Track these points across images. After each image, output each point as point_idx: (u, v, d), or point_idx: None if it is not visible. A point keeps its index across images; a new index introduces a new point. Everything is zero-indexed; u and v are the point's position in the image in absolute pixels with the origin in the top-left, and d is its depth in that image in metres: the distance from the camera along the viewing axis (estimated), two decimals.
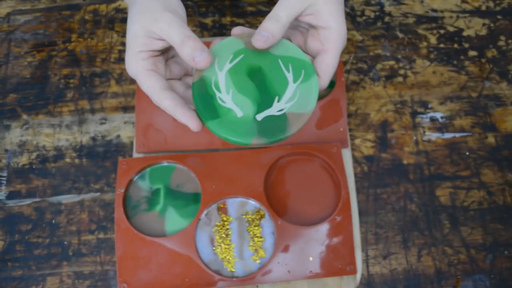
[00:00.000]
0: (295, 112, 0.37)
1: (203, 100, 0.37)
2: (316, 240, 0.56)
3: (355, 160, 0.63)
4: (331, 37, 0.39)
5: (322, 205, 0.59)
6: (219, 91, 0.37)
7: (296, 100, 0.38)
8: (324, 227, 0.57)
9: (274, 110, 0.37)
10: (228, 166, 0.59)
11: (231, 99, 0.37)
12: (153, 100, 0.39)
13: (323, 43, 0.40)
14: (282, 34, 0.39)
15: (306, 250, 0.56)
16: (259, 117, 0.37)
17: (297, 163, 0.61)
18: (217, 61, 0.38)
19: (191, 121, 0.38)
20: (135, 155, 0.62)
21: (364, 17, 0.73)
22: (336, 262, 0.55)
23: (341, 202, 0.57)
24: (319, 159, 0.61)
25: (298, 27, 0.45)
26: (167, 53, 0.43)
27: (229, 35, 0.71)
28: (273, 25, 0.38)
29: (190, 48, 0.37)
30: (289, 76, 0.38)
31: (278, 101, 0.37)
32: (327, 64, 0.39)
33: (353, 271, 0.55)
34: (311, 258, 0.56)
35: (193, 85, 0.38)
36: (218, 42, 0.40)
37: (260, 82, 0.38)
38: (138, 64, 0.38)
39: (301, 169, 0.61)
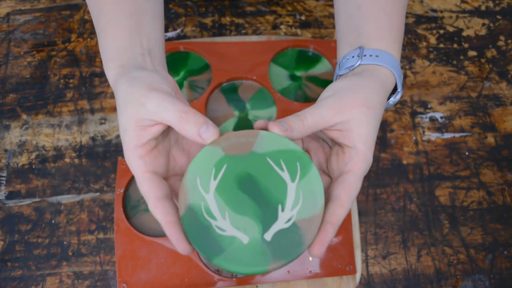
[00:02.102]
0: (305, 217, 0.31)
1: (199, 234, 0.31)
2: None
3: None
4: (356, 158, 0.35)
5: None
6: (214, 218, 0.31)
7: (301, 202, 0.32)
8: None
9: (281, 222, 0.31)
10: None
11: (230, 224, 0.31)
12: (149, 207, 0.34)
13: (347, 164, 0.35)
14: (302, 136, 0.35)
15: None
16: (268, 236, 0.31)
17: None
18: (199, 182, 0.32)
19: (180, 245, 0.33)
20: None
21: None
22: (335, 262, 0.56)
23: None
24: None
25: (321, 140, 0.41)
26: (168, 137, 0.38)
27: (229, 34, 0.71)
28: (296, 124, 0.35)
29: (192, 124, 0.33)
30: (285, 175, 0.32)
31: (283, 210, 0.31)
32: (350, 186, 0.34)
33: (353, 271, 0.55)
34: (310, 258, 0.56)
35: (182, 219, 0.32)
36: (193, 159, 0.34)
37: (254, 192, 0.32)
38: (135, 163, 0.34)
39: None
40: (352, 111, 0.35)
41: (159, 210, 0.33)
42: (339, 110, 0.35)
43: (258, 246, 0.31)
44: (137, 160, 0.34)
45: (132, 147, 0.34)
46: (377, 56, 0.39)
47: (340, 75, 0.42)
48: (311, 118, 0.35)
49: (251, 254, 0.31)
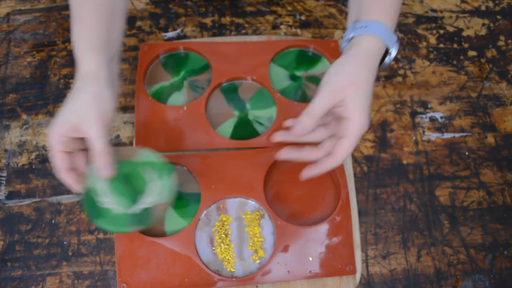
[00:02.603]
0: (155, 203, 0.50)
1: (90, 204, 0.49)
2: (316, 240, 0.56)
3: (355, 160, 0.63)
4: (350, 127, 0.46)
5: (322, 205, 0.59)
6: (100, 195, 0.49)
7: (154, 194, 0.50)
8: (323, 227, 0.57)
9: (140, 204, 0.49)
10: (228, 166, 0.59)
11: (110, 200, 0.49)
12: (52, 160, 0.47)
13: (343, 131, 0.47)
14: (315, 126, 0.47)
15: (306, 250, 0.56)
16: (131, 211, 0.49)
17: (298, 162, 0.61)
18: (95, 172, 0.49)
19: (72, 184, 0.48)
20: None
21: None
22: (335, 262, 0.55)
23: (341, 202, 0.57)
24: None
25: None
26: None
27: (229, 34, 0.71)
28: (308, 120, 0.47)
29: (103, 162, 0.46)
30: (148, 177, 0.51)
31: (142, 198, 0.50)
32: (342, 148, 0.47)
33: (353, 271, 0.55)
34: (310, 258, 0.56)
35: (83, 194, 0.49)
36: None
37: (128, 184, 0.50)
38: (54, 141, 0.45)
39: (301, 169, 0.61)
40: (344, 91, 0.46)
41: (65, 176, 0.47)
42: (334, 95, 0.46)
43: (124, 216, 0.49)
44: (57, 140, 0.45)
45: (59, 134, 0.45)
46: (366, 26, 0.48)
47: (343, 48, 0.52)
48: (318, 110, 0.47)
49: (119, 220, 0.49)
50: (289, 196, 0.60)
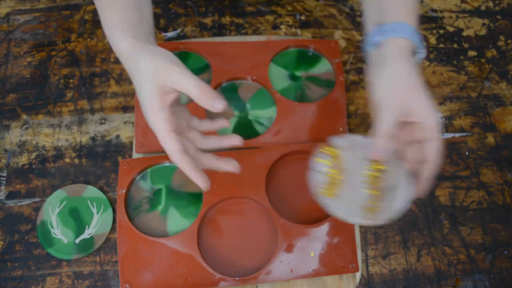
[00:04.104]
0: (99, 234, 0.58)
1: (44, 235, 0.58)
2: (319, 238, 0.56)
3: None
4: (429, 128, 0.45)
5: None
6: (53, 227, 0.58)
7: (99, 225, 0.58)
8: (326, 226, 0.57)
9: (85, 235, 0.58)
10: None
11: (60, 232, 0.58)
12: (173, 160, 0.43)
13: (424, 134, 0.45)
14: (392, 142, 0.46)
15: (309, 248, 0.56)
16: (77, 241, 0.57)
17: (299, 162, 0.61)
18: (50, 208, 0.59)
19: (201, 182, 0.44)
20: (135, 155, 0.62)
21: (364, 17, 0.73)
22: (338, 260, 0.55)
23: None
24: None
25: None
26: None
27: (229, 34, 0.71)
28: (382, 143, 0.45)
29: (209, 97, 0.42)
30: (94, 210, 0.59)
31: (88, 228, 0.58)
32: (434, 150, 0.45)
33: (356, 269, 0.55)
34: (312, 254, 0.56)
35: (37, 227, 0.58)
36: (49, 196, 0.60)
37: (76, 217, 0.59)
38: (162, 124, 0.42)
39: (302, 168, 0.61)
40: (404, 100, 0.45)
41: (184, 161, 0.43)
42: (395, 107, 0.45)
43: (70, 245, 0.57)
44: (163, 121, 0.42)
45: (157, 109, 0.42)
46: (394, 29, 0.48)
47: (370, 55, 0.51)
48: (388, 128, 0.45)
49: (66, 248, 0.57)
50: (291, 195, 0.60)
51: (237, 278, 0.54)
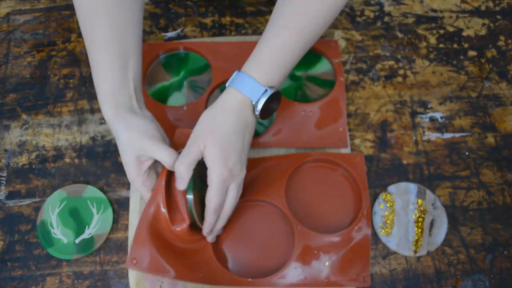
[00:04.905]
0: (98, 234, 0.58)
1: (44, 235, 0.58)
2: (334, 247, 0.56)
3: None
4: (210, 175, 0.49)
5: (341, 213, 0.59)
6: (53, 228, 0.58)
7: (99, 225, 0.58)
8: (343, 235, 0.56)
9: (85, 235, 0.58)
10: (250, 171, 0.59)
11: (60, 232, 0.58)
12: (141, 194, 0.52)
13: (208, 179, 0.50)
14: (191, 172, 0.49)
15: (323, 257, 0.55)
16: (77, 241, 0.58)
17: (318, 170, 0.61)
18: (50, 208, 0.59)
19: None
20: None
21: (363, 17, 0.73)
22: (351, 271, 0.55)
23: (362, 212, 0.57)
24: (341, 168, 0.61)
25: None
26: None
27: (229, 34, 0.71)
28: (183, 169, 0.49)
29: (185, 166, 0.48)
30: (94, 210, 0.59)
31: (88, 228, 0.58)
32: (208, 199, 0.50)
33: (367, 283, 0.55)
34: (327, 263, 0.55)
35: (37, 227, 0.58)
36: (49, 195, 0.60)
37: (76, 217, 0.59)
38: (140, 188, 0.51)
39: (323, 176, 0.61)
40: (203, 139, 0.48)
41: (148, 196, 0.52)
42: (195, 141, 0.49)
43: (70, 245, 0.58)
44: (140, 184, 0.51)
45: (135, 175, 0.50)
46: (232, 78, 0.51)
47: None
48: (191, 158, 0.48)
49: (67, 248, 0.57)
50: (310, 202, 0.59)
51: (250, 280, 0.54)
